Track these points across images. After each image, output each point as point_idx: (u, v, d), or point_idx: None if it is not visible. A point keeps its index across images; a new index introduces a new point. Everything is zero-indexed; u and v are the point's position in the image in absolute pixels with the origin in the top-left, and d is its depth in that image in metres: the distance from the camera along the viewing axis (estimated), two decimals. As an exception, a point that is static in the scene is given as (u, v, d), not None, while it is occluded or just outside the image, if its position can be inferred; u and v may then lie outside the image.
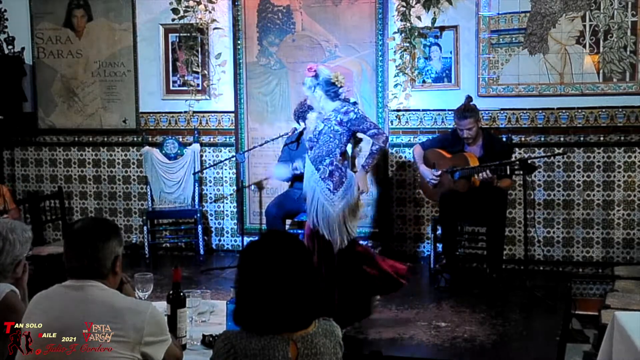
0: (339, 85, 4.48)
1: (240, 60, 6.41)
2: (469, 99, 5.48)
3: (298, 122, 5.74)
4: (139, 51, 6.62)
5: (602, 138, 5.74)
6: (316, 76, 4.47)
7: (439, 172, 5.46)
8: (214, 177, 6.63)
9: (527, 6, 5.78)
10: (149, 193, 6.52)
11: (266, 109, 6.45)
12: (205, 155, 6.59)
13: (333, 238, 4.41)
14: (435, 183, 5.50)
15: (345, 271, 4.41)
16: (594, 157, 5.76)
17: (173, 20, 6.33)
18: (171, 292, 2.91)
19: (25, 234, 2.80)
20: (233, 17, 6.38)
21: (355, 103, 4.58)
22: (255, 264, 2.10)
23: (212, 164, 6.54)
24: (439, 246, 5.73)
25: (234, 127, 6.50)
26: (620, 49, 5.62)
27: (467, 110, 5.34)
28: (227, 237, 6.64)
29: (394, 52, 6.02)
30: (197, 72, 6.45)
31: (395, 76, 6.01)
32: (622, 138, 5.71)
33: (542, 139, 5.86)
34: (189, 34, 6.35)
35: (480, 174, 5.12)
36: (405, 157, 6.14)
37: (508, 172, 5.08)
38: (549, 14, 5.74)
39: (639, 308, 4.17)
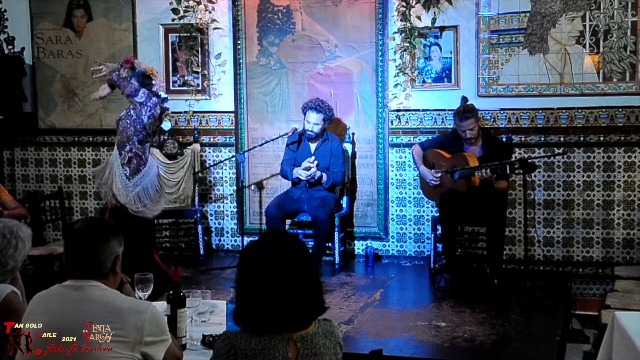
0: (153, 79, 5.10)
1: (240, 60, 6.42)
2: (464, 99, 5.48)
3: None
4: (139, 51, 6.62)
5: (602, 138, 5.74)
6: (132, 68, 5.11)
7: (439, 174, 5.46)
8: (214, 177, 6.63)
9: (527, 6, 5.77)
10: (149, 193, 6.51)
11: (266, 109, 6.45)
12: (205, 155, 6.59)
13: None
14: (436, 184, 5.51)
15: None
16: (594, 157, 5.76)
17: (173, 20, 6.33)
18: (171, 292, 2.91)
19: (28, 231, 2.83)
20: (233, 17, 6.38)
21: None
22: (255, 264, 2.10)
23: (212, 164, 6.54)
24: (439, 246, 5.73)
25: (234, 127, 6.50)
26: (620, 49, 5.62)
27: (466, 110, 5.35)
28: (227, 237, 6.64)
29: (394, 52, 6.02)
30: (197, 72, 6.45)
31: (395, 76, 6.01)
32: (622, 138, 5.71)
33: (542, 139, 5.86)
34: (189, 34, 6.35)
35: (480, 172, 5.12)
36: (406, 157, 6.14)
37: (508, 172, 5.08)
38: (549, 14, 5.74)
39: (639, 308, 4.17)
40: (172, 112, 6.60)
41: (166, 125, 5.33)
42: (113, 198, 5.13)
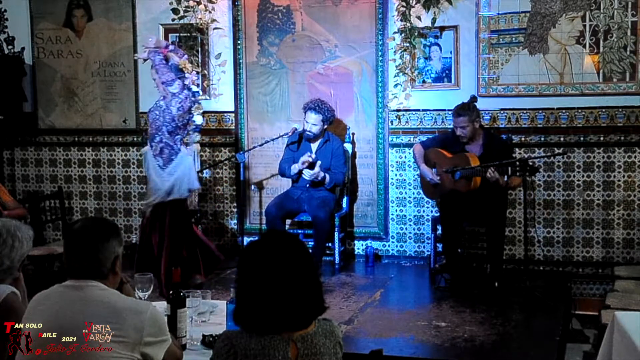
0: (185, 73, 5.15)
1: (240, 60, 6.41)
2: (472, 99, 5.48)
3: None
4: (139, 51, 6.61)
5: (602, 138, 5.74)
6: (165, 58, 5.16)
7: (439, 176, 5.46)
8: (214, 177, 6.63)
9: (527, 6, 5.77)
10: (149, 193, 6.51)
11: (266, 109, 6.45)
12: (205, 155, 6.59)
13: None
14: (437, 182, 5.50)
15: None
16: (594, 157, 5.76)
17: (173, 20, 6.33)
18: (171, 292, 2.91)
19: (29, 232, 2.83)
20: (233, 17, 6.38)
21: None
22: (255, 264, 2.10)
23: (212, 164, 6.54)
24: (439, 246, 5.73)
25: (234, 127, 6.50)
26: (620, 49, 5.62)
27: (462, 108, 5.35)
28: (227, 237, 6.64)
29: (394, 52, 6.02)
30: (197, 72, 6.44)
31: (395, 76, 6.01)
32: (622, 138, 5.71)
33: (542, 139, 5.86)
34: (189, 34, 6.35)
35: (488, 175, 5.10)
36: (406, 157, 6.14)
37: (510, 172, 5.08)
38: (549, 14, 5.74)
39: (639, 308, 4.17)
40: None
41: (198, 119, 5.39)
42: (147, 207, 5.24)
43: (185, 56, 5.36)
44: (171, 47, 5.34)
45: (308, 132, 5.86)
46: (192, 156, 5.30)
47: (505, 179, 5.12)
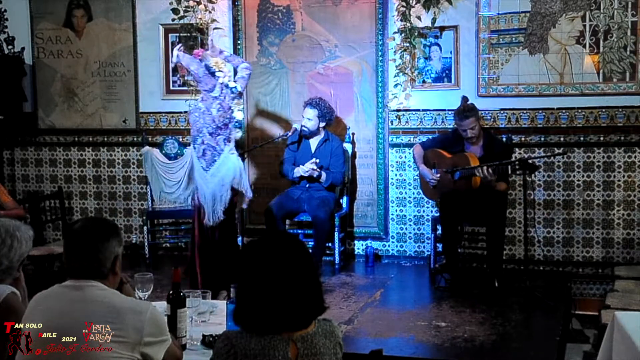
0: (217, 70, 5.02)
1: (240, 60, 6.41)
2: (465, 99, 5.49)
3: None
4: (139, 51, 6.62)
5: (602, 138, 5.74)
6: (200, 60, 5.04)
7: (439, 175, 5.47)
8: (214, 177, 6.62)
9: (527, 6, 5.77)
10: (149, 193, 6.52)
11: (266, 109, 6.44)
12: (205, 155, 6.58)
13: (207, 212, 4.94)
14: (435, 184, 5.51)
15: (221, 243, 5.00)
16: (594, 157, 5.76)
17: (173, 20, 6.33)
18: (171, 292, 2.91)
19: (28, 232, 2.83)
20: (233, 17, 6.39)
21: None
22: (255, 264, 2.10)
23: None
24: (439, 246, 5.73)
25: (234, 127, 6.50)
26: (620, 49, 5.62)
27: (466, 110, 5.36)
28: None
29: (394, 52, 6.02)
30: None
31: (395, 76, 6.01)
32: (622, 138, 5.71)
33: (542, 139, 5.86)
34: (189, 34, 6.35)
35: (483, 173, 5.11)
36: (406, 157, 6.14)
37: (510, 172, 5.08)
38: (549, 14, 5.74)
39: (639, 308, 4.17)
40: (172, 113, 6.62)
41: (239, 115, 5.25)
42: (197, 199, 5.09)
43: (222, 52, 5.23)
44: (207, 50, 5.21)
45: (304, 128, 5.86)
46: (234, 163, 5.04)
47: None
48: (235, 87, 5.05)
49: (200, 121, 4.98)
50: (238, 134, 5.55)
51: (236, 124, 5.31)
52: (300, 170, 5.82)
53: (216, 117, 4.95)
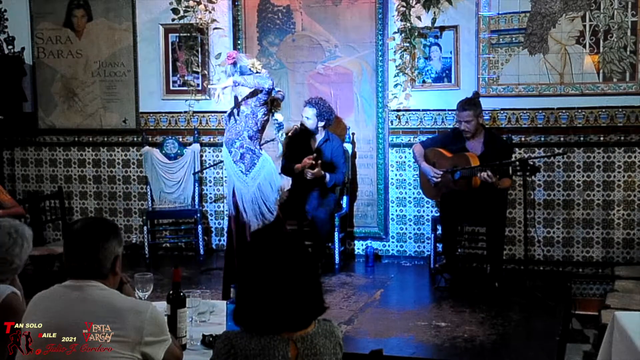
0: (254, 72, 4.83)
1: (240, 60, 6.41)
2: (475, 94, 5.49)
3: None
4: (139, 51, 6.62)
5: (602, 138, 5.74)
6: (234, 64, 4.85)
7: (441, 173, 5.46)
8: (214, 177, 6.63)
9: (527, 6, 5.78)
10: (149, 193, 6.52)
11: (266, 109, 6.44)
12: (205, 155, 6.59)
13: (248, 219, 4.83)
14: (437, 181, 5.49)
15: None
16: (594, 157, 5.76)
17: (173, 20, 6.33)
18: (171, 292, 2.91)
19: (30, 232, 2.86)
20: (233, 17, 6.39)
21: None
22: (255, 264, 2.10)
23: (212, 164, 6.54)
24: (439, 246, 5.73)
25: (234, 127, 6.49)
26: (620, 49, 5.62)
27: (467, 103, 5.36)
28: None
29: (394, 52, 6.02)
30: (197, 72, 6.45)
31: (395, 76, 6.01)
32: (622, 138, 5.70)
33: (542, 139, 5.86)
34: (189, 34, 6.35)
35: (482, 175, 5.11)
36: (406, 157, 6.14)
37: (510, 172, 5.08)
38: (549, 14, 5.74)
39: (639, 308, 4.17)
40: (172, 113, 6.61)
41: (280, 117, 5.05)
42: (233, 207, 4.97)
43: (248, 57, 5.08)
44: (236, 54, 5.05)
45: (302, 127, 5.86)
46: (272, 166, 4.97)
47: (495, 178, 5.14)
48: (273, 88, 4.87)
49: (242, 124, 4.83)
50: (282, 135, 5.37)
51: (278, 126, 5.13)
52: (299, 168, 5.77)
53: (260, 120, 4.85)
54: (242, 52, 6.37)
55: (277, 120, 5.07)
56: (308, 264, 2.13)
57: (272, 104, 4.96)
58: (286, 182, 6.18)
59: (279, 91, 5.13)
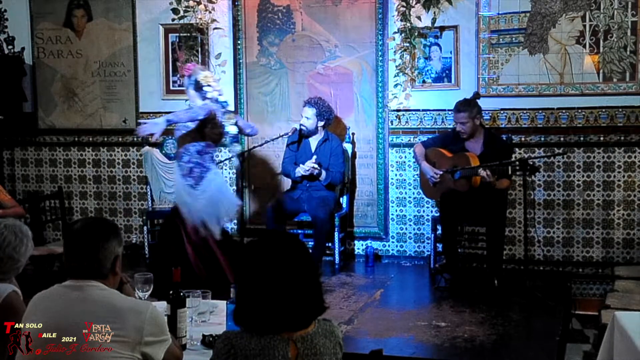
0: (206, 84, 4.96)
1: (240, 60, 6.41)
2: (475, 95, 5.48)
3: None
4: (139, 51, 6.62)
5: (602, 138, 5.74)
6: (190, 76, 5.00)
7: (440, 173, 5.46)
8: (214, 177, 6.62)
9: (527, 6, 5.77)
10: (149, 193, 6.52)
11: (266, 109, 6.45)
12: (205, 155, 6.58)
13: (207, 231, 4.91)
14: (436, 181, 5.49)
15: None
16: (594, 157, 5.76)
17: (173, 20, 6.33)
18: (171, 292, 2.91)
19: (30, 232, 2.91)
20: (233, 17, 6.39)
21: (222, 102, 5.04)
22: (255, 264, 2.10)
23: (212, 164, 6.53)
24: (439, 246, 5.73)
25: (234, 127, 6.49)
26: (620, 49, 5.62)
27: (463, 104, 5.36)
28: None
29: (394, 52, 6.02)
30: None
31: (395, 76, 6.01)
32: (622, 138, 5.70)
33: (542, 139, 5.86)
34: (189, 34, 6.35)
35: (481, 172, 5.11)
36: (406, 157, 6.14)
37: (510, 172, 5.07)
38: (549, 14, 5.74)
39: (639, 308, 4.17)
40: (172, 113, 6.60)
41: (232, 129, 5.13)
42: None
43: (204, 69, 5.20)
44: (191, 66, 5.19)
45: (302, 126, 5.87)
46: (221, 180, 5.11)
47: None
48: (225, 102, 5.05)
49: (187, 138, 4.95)
50: (237, 147, 5.47)
51: (232, 138, 5.25)
52: (300, 170, 5.82)
53: (206, 133, 4.94)
54: (242, 51, 6.38)
55: (229, 132, 5.11)
56: (308, 263, 2.13)
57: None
58: (286, 182, 6.20)
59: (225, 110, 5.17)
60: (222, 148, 6.53)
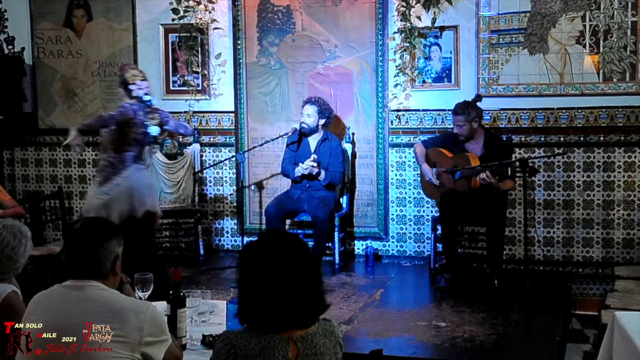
0: (131, 83, 4.95)
1: (240, 60, 6.41)
2: (476, 97, 5.46)
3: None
4: (139, 51, 6.62)
5: (602, 138, 5.74)
6: (121, 75, 5.03)
7: (439, 178, 5.45)
8: (214, 177, 6.63)
9: (527, 6, 5.77)
10: (149, 193, 6.51)
11: (266, 109, 6.45)
12: (205, 155, 6.59)
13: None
14: (435, 183, 5.50)
15: None
16: (594, 157, 5.76)
17: (173, 20, 6.33)
18: (171, 292, 2.91)
19: (30, 232, 2.91)
20: (233, 17, 6.38)
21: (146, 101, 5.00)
22: (257, 264, 2.10)
23: (212, 164, 6.54)
24: (439, 246, 5.73)
25: (234, 127, 6.50)
26: (620, 49, 5.62)
27: (461, 107, 5.35)
28: (227, 237, 6.64)
29: (394, 52, 6.02)
30: (197, 72, 6.45)
31: (395, 76, 6.01)
32: (622, 138, 5.70)
33: (542, 139, 5.86)
34: (189, 34, 6.35)
35: (481, 176, 5.11)
36: (406, 157, 6.14)
37: (509, 173, 5.07)
38: (549, 14, 5.74)
39: (639, 308, 4.17)
40: (172, 113, 6.60)
41: (153, 130, 5.05)
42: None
43: (134, 68, 5.20)
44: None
45: (303, 124, 5.87)
46: (129, 184, 4.93)
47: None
48: (150, 101, 4.99)
49: (107, 137, 4.92)
50: (155, 148, 5.39)
51: (151, 138, 5.14)
52: (299, 169, 5.82)
53: (126, 132, 4.89)
54: (242, 51, 6.38)
55: (150, 132, 5.06)
56: (309, 261, 2.13)
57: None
58: (285, 182, 6.20)
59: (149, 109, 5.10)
60: (222, 148, 6.56)
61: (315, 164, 5.74)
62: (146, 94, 5.01)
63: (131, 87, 4.96)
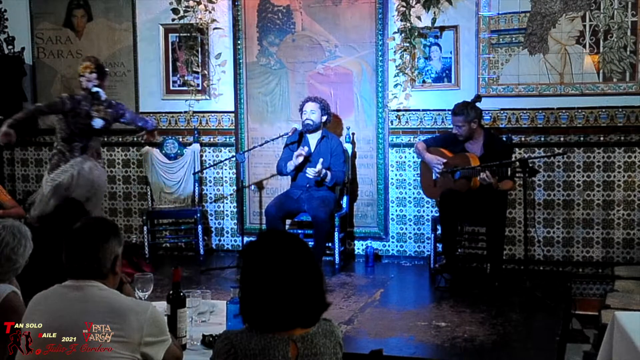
0: (80, 74, 5.25)
1: (240, 60, 6.41)
2: (475, 98, 5.46)
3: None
4: (139, 51, 6.62)
5: (602, 138, 5.74)
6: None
7: (445, 161, 5.41)
8: (214, 177, 6.63)
9: (527, 6, 5.78)
10: (149, 193, 6.52)
11: (266, 109, 6.45)
12: (205, 155, 6.59)
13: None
14: (441, 170, 5.43)
15: None
16: (594, 157, 5.76)
17: (173, 20, 6.33)
18: (171, 292, 2.91)
19: (29, 233, 2.90)
20: (233, 17, 6.39)
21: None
22: (258, 264, 2.09)
23: (212, 164, 6.54)
24: (439, 246, 5.73)
25: (234, 127, 6.50)
26: (620, 49, 5.62)
27: (459, 107, 5.35)
28: (227, 237, 6.64)
29: (394, 52, 6.02)
30: (197, 72, 6.45)
31: (395, 76, 6.01)
32: (622, 138, 5.71)
33: (542, 139, 5.86)
34: (189, 34, 6.35)
35: (480, 176, 5.11)
36: (406, 157, 6.14)
37: (509, 174, 5.07)
38: (549, 14, 5.74)
39: (639, 308, 4.17)
40: (172, 113, 6.61)
41: (96, 122, 5.25)
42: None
43: (85, 61, 5.38)
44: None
45: (308, 121, 5.87)
46: (86, 167, 5.15)
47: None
48: (98, 92, 5.16)
49: (57, 126, 5.20)
50: (97, 140, 5.45)
51: (97, 131, 5.32)
52: (310, 173, 5.75)
53: (72, 122, 5.14)
54: (242, 51, 6.38)
55: (94, 124, 5.24)
56: (308, 263, 2.13)
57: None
58: (285, 182, 6.20)
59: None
60: (222, 148, 6.56)
61: (324, 170, 5.73)
62: (95, 85, 5.22)
63: (80, 78, 5.26)
